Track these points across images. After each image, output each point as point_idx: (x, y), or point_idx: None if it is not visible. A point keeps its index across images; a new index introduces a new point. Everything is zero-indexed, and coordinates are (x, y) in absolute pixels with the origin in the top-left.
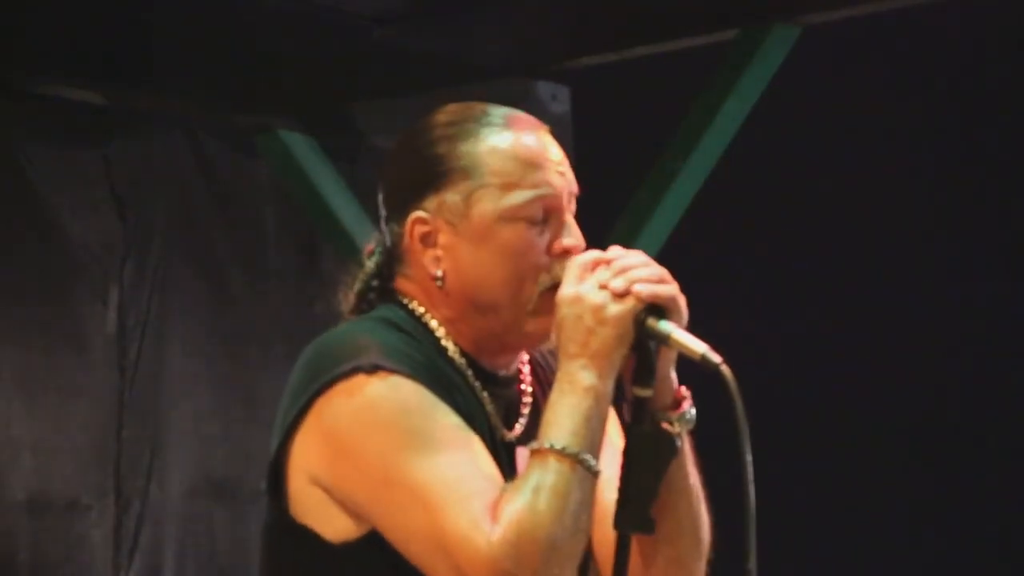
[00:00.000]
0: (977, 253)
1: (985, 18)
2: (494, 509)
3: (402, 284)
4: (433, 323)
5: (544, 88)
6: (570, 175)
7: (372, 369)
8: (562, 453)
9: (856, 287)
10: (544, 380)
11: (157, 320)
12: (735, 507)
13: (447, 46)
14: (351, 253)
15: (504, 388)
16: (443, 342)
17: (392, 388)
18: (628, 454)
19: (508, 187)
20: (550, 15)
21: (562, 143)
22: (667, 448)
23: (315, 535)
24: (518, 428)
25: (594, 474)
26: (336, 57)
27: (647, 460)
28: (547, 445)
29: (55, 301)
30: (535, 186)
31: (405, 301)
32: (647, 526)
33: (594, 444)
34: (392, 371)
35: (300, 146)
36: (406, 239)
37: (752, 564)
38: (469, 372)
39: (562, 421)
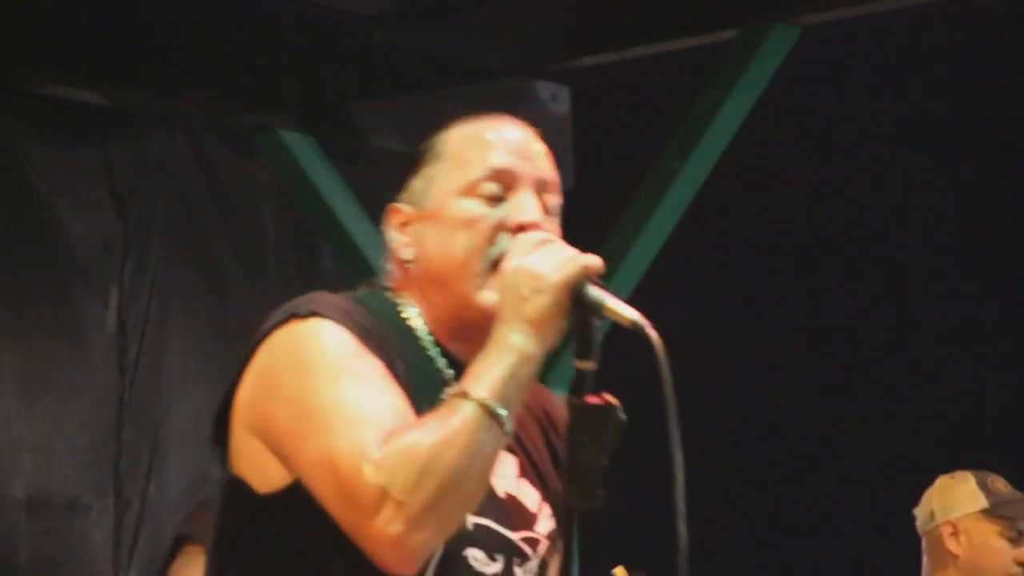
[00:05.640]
0: (978, 252)
1: (985, 18)
2: (388, 436)
3: (393, 280)
4: (405, 307)
5: (544, 88)
6: (543, 163)
7: (306, 315)
8: (471, 397)
9: (855, 285)
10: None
11: (157, 320)
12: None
13: (447, 46)
14: (351, 253)
15: None
16: (410, 323)
17: (318, 329)
18: (573, 429)
19: (463, 165)
20: (550, 15)
21: (562, 143)
22: (613, 421)
23: (247, 487)
24: None
25: (504, 430)
26: (336, 57)
27: (593, 434)
28: (459, 391)
29: (55, 301)
30: (489, 163)
31: (384, 288)
32: (595, 501)
33: (510, 401)
34: (325, 318)
35: (300, 146)
36: (387, 232)
37: (682, 525)
38: (442, 360)
39: (480, 373)
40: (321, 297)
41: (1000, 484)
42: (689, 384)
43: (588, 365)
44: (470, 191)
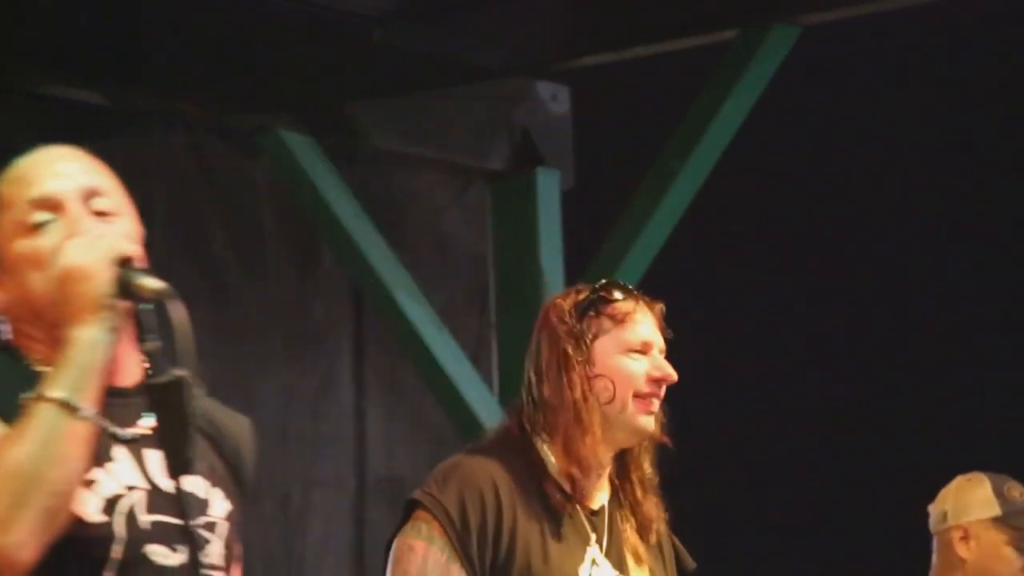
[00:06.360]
0: (978, 252)
1: (985, 18)
2: None
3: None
4: (18, 354)
5: (544, 88)
6: (81, 176)
7: None
8: (44, 397)
9: (855, 285)
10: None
11: None
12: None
13: (447, 46)
14: (351, 253)
15: (127, 398)
16: (27, 365)
17: None
18: (152, 407)
19: (9, 208)
20: (550, 15)
21: (562, 143)
22: (187, 392)
23: None
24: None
25: (75, 412)
26: (336, 57)
27: (174, 408)
28: (34, 396)
29: None
30: (28, 197)
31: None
32: (187, 468)
33: (83, 389)
34: None
35: (300, 146)
36: None
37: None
38: None
39: (52, 375)
40: None
41: (1016, 492)
42: (689, 384)
43: (151, 346)
44: (22, 230)
